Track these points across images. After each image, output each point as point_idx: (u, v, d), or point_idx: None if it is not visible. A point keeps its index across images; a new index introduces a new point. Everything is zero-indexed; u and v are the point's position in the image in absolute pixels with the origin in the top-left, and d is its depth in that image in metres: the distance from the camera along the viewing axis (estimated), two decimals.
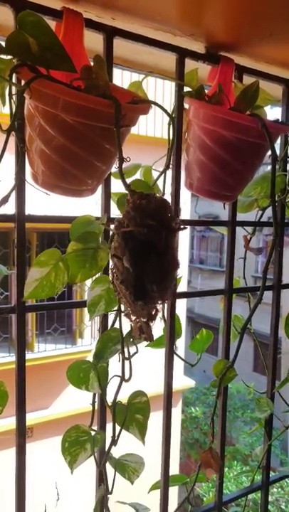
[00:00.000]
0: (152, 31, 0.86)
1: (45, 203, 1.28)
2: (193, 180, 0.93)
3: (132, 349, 0.81)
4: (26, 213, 0.76)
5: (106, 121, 0.66)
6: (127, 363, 0.81)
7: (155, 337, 0.99)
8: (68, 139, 0.69)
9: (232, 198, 0.96)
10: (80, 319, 6.35)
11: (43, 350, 5.95)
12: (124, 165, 0.92)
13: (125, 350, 0.81)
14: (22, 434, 0.79)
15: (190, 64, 0.95)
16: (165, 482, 0.99)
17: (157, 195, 0.62)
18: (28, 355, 5.83)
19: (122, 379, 0.79)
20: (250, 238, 1.11)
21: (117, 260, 0.64)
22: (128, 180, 0.78)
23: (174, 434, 0.99)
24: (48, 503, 4.87)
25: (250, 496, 1.26)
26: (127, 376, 0.82)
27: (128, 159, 0.64)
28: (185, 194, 1.09)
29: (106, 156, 0.74)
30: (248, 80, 1.00)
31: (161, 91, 4.68)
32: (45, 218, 0.79)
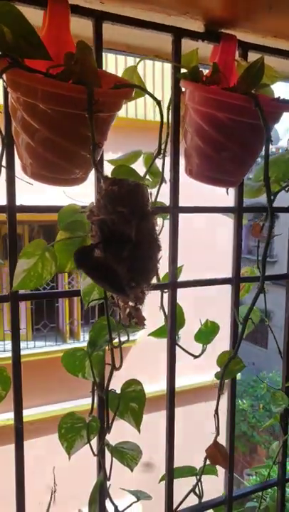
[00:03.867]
0: (145, 13, 0.83)
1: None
2: (193, 166, 0.90)
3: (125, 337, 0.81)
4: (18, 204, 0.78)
5: (84, 108, 0.65)
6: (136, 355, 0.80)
7: (157, 326, 0.98)
8: (50, 130, 0.69)
9: (234, 183, 0.92)
10: None
11: (82, 341, 6.08)
12: (126, 151, 0.91)
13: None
14: (19, 419, 0.82)
15: (192, 45, 0.92)
16: (169, 473, 0.98)
17: (131, 180, 0.60)
18: (75, 344, 6.00)
19: (113, 367, 0.79)
20: (263, 225, 1.07)
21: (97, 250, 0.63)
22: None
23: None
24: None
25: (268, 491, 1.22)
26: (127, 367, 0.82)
27: (100, 145, 0.63)
28: None
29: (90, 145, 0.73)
30: (254, 57, 0.95)
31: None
32: (35, 208, 0.79)
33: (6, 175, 0.76)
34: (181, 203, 0.91)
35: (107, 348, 0.82)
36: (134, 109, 4.98)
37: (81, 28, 0.82)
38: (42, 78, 0.64)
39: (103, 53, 0.86)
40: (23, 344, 5.36)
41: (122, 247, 0.57)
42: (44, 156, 0.72)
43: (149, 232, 0.59)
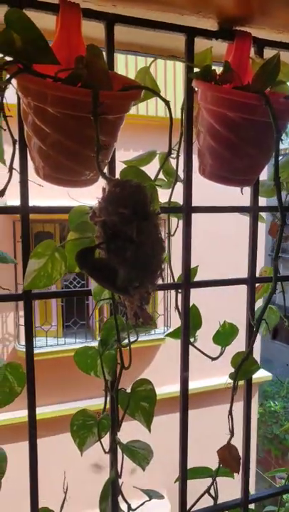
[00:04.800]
0: (157, 13, 0.83)
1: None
2: (206, 166, 0.89)
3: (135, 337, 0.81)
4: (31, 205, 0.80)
5: (90, 111, 0.66)
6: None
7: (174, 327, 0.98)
8: (60, 133, 0.70)
9: (249, 183, 0.91)
10: (153, 308, 6.44)
11: None
12: (139, 152, 0.92)
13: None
14: (32, 416, 0.84)
15: (206, 44, 0.91)
16: (183, 474, 0.98)
17: (134, 181, 0.60)
18: None
19: (122, 366, 0.79)
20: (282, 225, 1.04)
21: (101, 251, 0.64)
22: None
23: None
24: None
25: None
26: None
27: (109, 147, 0.63)
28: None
29: (101, 148, 0.74)
30: (270, 54, 0.93)
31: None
32: (48, 209, 0.81)
33: (19, 177, 0.78)
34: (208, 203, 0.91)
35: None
36: (155, 108, 4.97)
37: (93, 29, 0.83)
38: (50, 83, 0.66)
39: (117, 54, 0.87)
40: (53, 341, 5.47)
41: (124, 247, 0.58)
42: (55, 158, 0.74)
43: (152, 233, 0.60)
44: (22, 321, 5.30)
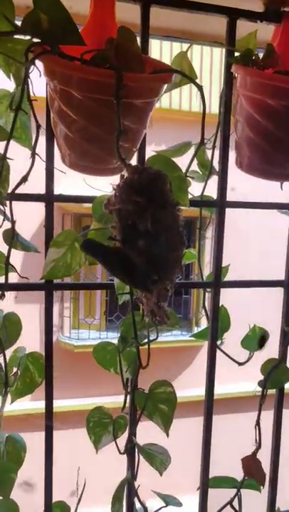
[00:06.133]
0: None
1: None
2: (243, 159, 0.83)
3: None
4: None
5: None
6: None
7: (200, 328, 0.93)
8: (86, 119, 0.68)
9: (288, 177, 0.84)
10: (197, 308, 6.36)
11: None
12: (173, 143, 0.88)
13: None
14: (50, 410, 0.82)
15: (249, 29, 0.85)
16: (204, 483, 0.93)
17: (153, 168, 0.56)
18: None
19: (139, 366, 0.76)
20: None
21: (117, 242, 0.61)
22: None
23: None
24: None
25: None
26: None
27: (126, 132, 0.60)
28: None
29: (128, 134, 0.70)
30: None
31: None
32: (73, 198, 0.79)
33: (45, 165, 0.76)
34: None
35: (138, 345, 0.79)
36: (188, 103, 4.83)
37: (128, 13, 0.79)
38: (75, 64, 0.63)
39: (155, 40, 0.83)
40: (96, 334, 5.54)
41: (137, 237, 0.54)
42: (81, 146, 0.71)
43: (170, 224, 0.55)
44: (66, 312, 5.41)
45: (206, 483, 0.93)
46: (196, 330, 6.39)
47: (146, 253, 0.55)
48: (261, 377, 0.92)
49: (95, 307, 5.68)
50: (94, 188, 0.70)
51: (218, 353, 0.89)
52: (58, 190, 0.79)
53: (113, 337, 5.63)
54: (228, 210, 0.85)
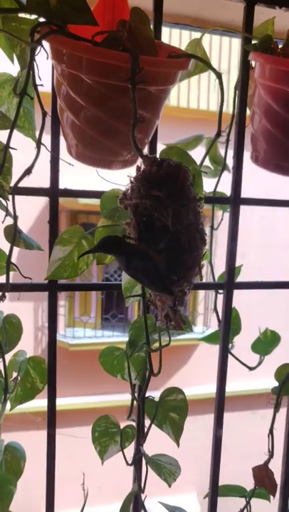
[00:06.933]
0: None
1: None
2: (260, 152, 0.79)
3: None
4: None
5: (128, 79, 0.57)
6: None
7: (210, 331, 0.89)
8: (96, 106, 0.63)
9: None
10: (193, 307, 6.32)
11: None
12: (181, 137, 0.83)
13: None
14: (52, 414, 0.78)
15: (265, 17, 0.80)
16: (213, 491, 0.89)
17: (174, 160, 0.51)
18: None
19: (150, 373, 0.71)
20: None
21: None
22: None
23: None
24: None
25: None
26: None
27: (142, 120, 0.55)
28: None
29: (142, 124, 0.65)
30: None
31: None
32: (78, 192, 0.74)
33: (50, 156, 0.71)
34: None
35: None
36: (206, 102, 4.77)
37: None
38: (84, 45, 0.58)
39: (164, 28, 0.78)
40: (92, 332, 5.48)
41: (156, 236, 0.49)
42: (90, 135, 0.66)
43: (191, 222, 0.51)
44: (61, 310, 5.35)
45: (216, 493, 0.89)
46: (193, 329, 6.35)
47: (165, 252, 0.50)
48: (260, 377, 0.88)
49: (91, 305, 5.62)
50: (108, 181, 0.65)
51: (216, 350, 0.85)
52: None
53: (109, 335, 5.60)
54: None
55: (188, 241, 0.51)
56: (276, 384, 0.88)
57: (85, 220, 5.35)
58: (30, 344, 5.09)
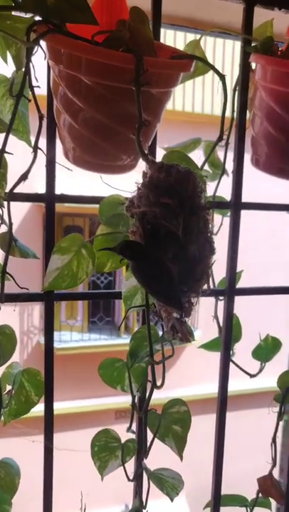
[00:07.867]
0: None
1: None
2: (260, 156, 0.77)
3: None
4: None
5: (131, 81, 0.55)
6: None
7: (209, 338, 0.87)
8: (95, 108, 0.60)
9: None
10: None
11: None
12: (179, 141, 0.80)
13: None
14: (50, 422, 0.75)
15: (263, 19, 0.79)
16: (216, 500, 0.87)
17: (182, 166, 0.49)
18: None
19: (153, 385, 0.68)
20: None
21: None
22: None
23: None
24: None
25: None
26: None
27: (147, 123, 0.52)
28: None
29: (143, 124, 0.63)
30: None
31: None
32: (77, 198, 0.71)
33: (46, 161, 0.68)
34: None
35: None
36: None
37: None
38: (85, 45, 0.55)
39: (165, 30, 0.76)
40: (78, 336, 5.42)
41: (166, 246, 0.47)
42: (88, 138, 0.64)
43: (201, 231, 0.48)
44: None
45: (218, 501, 0.87)
46: None
47: (175, 262, 0.47)
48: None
49: (77, 309, 5.56)
50: (112, 187, 0.62)
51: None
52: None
53: (96, 339, 5.54)
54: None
55: (197, 250, 0.49)
56: (272, 384, 0.87)
57: (70, 222, 5.28)
58: (15, 349, 5.00)
